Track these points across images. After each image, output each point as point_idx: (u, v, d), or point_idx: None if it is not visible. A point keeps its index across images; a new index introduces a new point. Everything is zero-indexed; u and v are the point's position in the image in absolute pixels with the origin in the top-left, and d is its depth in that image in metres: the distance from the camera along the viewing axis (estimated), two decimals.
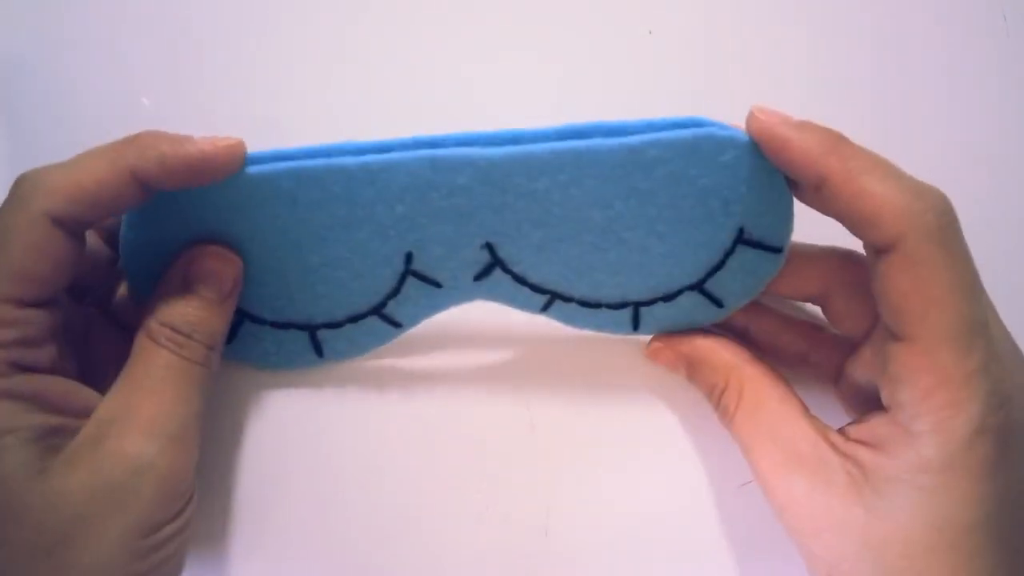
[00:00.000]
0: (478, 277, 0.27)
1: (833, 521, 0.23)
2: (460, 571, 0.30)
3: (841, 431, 0.25)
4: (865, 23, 0.30)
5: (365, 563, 0.30)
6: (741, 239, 0.26)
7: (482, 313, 0.29)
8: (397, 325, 0.28)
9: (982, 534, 0.21)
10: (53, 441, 0.23)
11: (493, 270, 0.27)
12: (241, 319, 0.28)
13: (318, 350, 0.28)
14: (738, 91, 0.30)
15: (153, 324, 0.25)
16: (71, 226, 0.23)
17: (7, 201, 0.23)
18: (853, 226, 0.23)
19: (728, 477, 0.29)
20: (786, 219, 0.26)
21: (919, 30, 0.30)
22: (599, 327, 0.28)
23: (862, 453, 0.23)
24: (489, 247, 0.27)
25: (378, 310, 0.28)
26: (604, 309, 0.28)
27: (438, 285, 0.27)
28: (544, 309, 0.28)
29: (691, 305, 0.27)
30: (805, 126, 0.24)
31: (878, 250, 0.23)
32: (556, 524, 0.30)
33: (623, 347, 0.30)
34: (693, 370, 0.28)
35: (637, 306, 0.28)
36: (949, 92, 0.30)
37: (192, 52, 0.30)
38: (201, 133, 0.29)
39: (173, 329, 0.25)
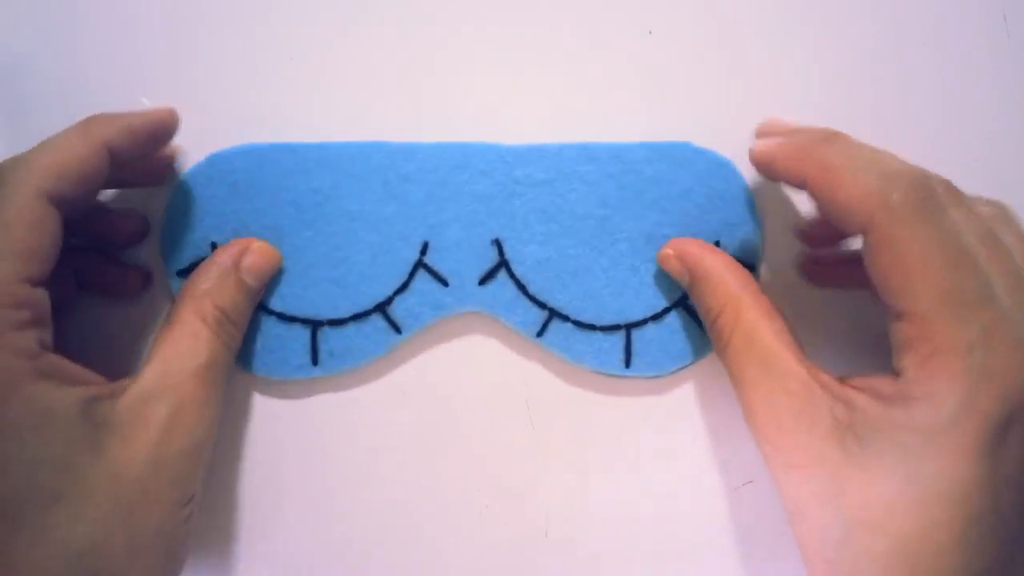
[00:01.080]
0: (483, 281, 0.29)
1: (810, 460, 0.23)
2: (460, 571, 0.30)
3: (841, 378, 0.24)
4: (865, 23, 0.30)
5: (365, 563, 0.30)
6: None
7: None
8: (397, 331, 0.29)
9: (954, 510, 0.21)
10: (95, 412, 0.23)
11: (498, 272, 0.29)
12: None
13: (315, 356, 0.29)
14: (738, 91, 0.30)
15: (207, 304, 0.26)
16: (61, 203, 0.24)
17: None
18: (834, 220, 0.24)
19: (728, 477, 0.29)
20: (756, 235, 0.29)
21: (919, 30, 0.30)
22: (592, 358, 0.29)
23: (857, 398, 0.23)
24: (498, 245, 0.29)
25: (383, 307, 0.28)
26: (598, 333, 0.29)
27: (445, 284, 0.28)
28: (540, 332, 0.29)
29: (679, 327, 0.29)
30: (794, 132, 0.25)
31: (862, 236, 0.23)
32: (556, 525, 0.30)
33: None
34: (695, 286, 0.27)
35: (628, 329, 0.29)
36: (949, 92, 0.30)
37: (192, 52, 0.30)
38: (202, 133, 0.29)
39: (223, 313, 0.26)
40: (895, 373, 0.23)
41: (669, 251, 0.28)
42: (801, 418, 0.23)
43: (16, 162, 0.24)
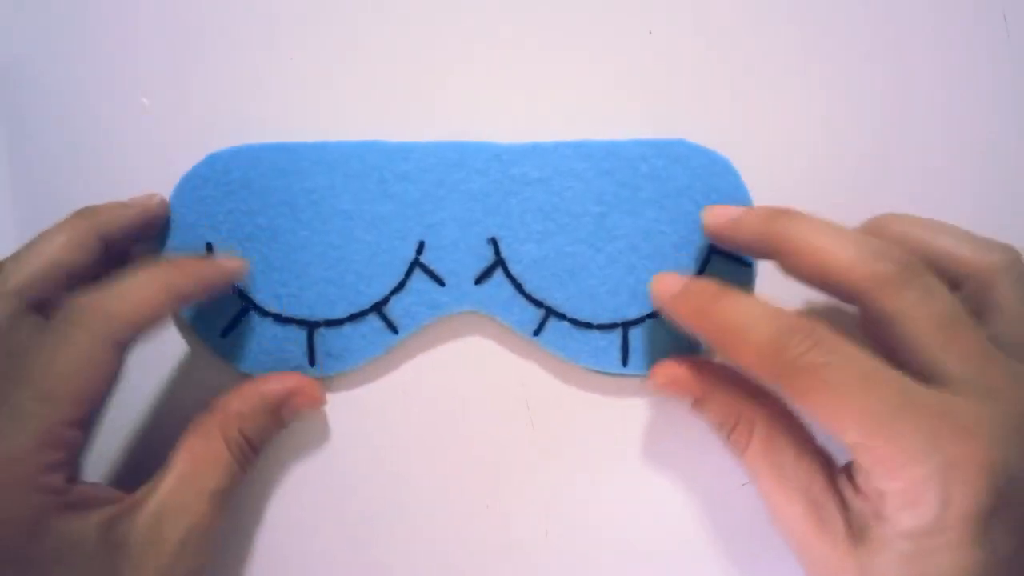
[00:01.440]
0: (479, 280, 0.29)
1: (829, 565, 0.23)
2: (460, 571, 0.30)
3: (853, 475, 0.24)
4: (865, 23, 0.30)
5: (365, 563, 0.30)
6: (714, 249, 0.29)
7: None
8: (394, 331, 0.29)
9: None
10: (114, 534, 0.24)
11: (494, 272, 0.29)
12: (246, 309, 0.29)
13: (311, 357, 0.29)
14: (738, 92, 0.30)
15: (234, 428, 0.27)
16: (125, 347, 0.25)
17: (67, 325, 0.24)
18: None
19: (728, 477, 0.29)
20: None
21: (919, 30, 0.30)
22: (589, 356, 0.29)
23: (864, 507, 0.23)
24: (494, 244, 0.29)
25: (380, 307, 0.29)
26: (595, 331, 0.29)
27: (441, 283, 0.29)
28: (538, 331, 0.29)
29: (676, 325, 0.28)
30: (746, 211, 0.26)
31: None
32: (556, 524, 0.30)
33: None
34: (701, 404, 0.27)
35: (625, 328, 0.29)
36: (949, 92, 0.30)
37: (192, 52, 0.30)
38: (201, 133, 0.29)
39: (249, 442, 0.27)
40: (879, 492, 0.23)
41: (663, 380, 0.27)
42: (819, 528, 0.24)
43: (93, 304, 0.24)
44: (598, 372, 0.29)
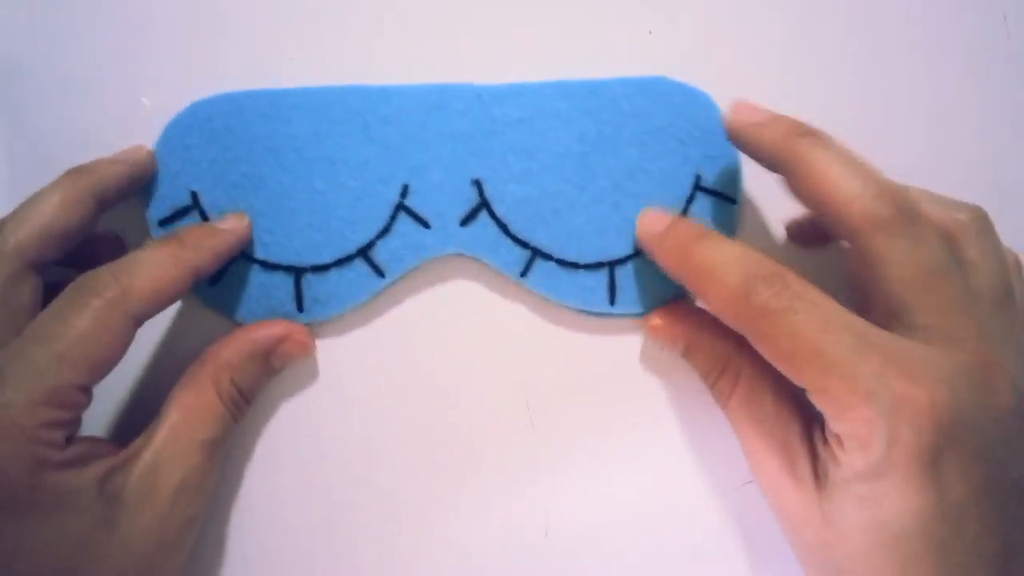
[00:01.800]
0: (464, 222, 0.29)
1: (799, 513, 0.24)
2: (460, 571, 0.30)
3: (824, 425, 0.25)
4: (865, 24, 0.30)
5: (364, 563, 0.30)
6: (699, 186, 0.29)
7: (481, 309, 0.30)
8: (380, 275, 0.29)
9: (918, 543, 0.21)
10: (111, 485, 0.24)
11: (479, 213, 0.29)
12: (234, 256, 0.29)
13: (299, 302, 0.29)
14: (738, 91, 0.30)
15: (226, 378, 0.27)
16: (139, 323, 0.25)
17: (84, 294, 0.24)
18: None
19: (728, 477, 0.29)
20: (736, 167, 0.29)
21: (919, 30, 0.30)
22: (577, 297, 0.29)
23: (827, 456, 0.24)
24: (478, 185, 0.29)
25: (365, 252, 0.29)
26: (581, 272, 0.29)
27: (426, 226, 0.29)
28: (524, 273, 0.29)
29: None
30: (775, 118, 0.26)
31: None
32: (556, 524, 0.30)
33: (623, 346, 0.30)
34: (691, 351, 0.28)
35: (612, 267, 0.29)
36: (949, 92, 0.30)
37: (193, 52, 0.30)
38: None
39: (240, 392, 0.27)
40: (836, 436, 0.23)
41: (658, 323, 0.28)
42: (793, 478, 0.24)
43: (111, 277, 0.25)
44: (586, 313, 0.29)
